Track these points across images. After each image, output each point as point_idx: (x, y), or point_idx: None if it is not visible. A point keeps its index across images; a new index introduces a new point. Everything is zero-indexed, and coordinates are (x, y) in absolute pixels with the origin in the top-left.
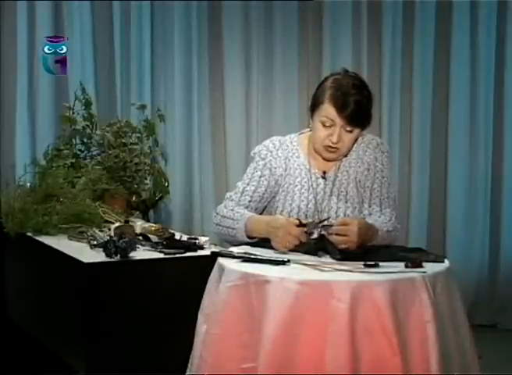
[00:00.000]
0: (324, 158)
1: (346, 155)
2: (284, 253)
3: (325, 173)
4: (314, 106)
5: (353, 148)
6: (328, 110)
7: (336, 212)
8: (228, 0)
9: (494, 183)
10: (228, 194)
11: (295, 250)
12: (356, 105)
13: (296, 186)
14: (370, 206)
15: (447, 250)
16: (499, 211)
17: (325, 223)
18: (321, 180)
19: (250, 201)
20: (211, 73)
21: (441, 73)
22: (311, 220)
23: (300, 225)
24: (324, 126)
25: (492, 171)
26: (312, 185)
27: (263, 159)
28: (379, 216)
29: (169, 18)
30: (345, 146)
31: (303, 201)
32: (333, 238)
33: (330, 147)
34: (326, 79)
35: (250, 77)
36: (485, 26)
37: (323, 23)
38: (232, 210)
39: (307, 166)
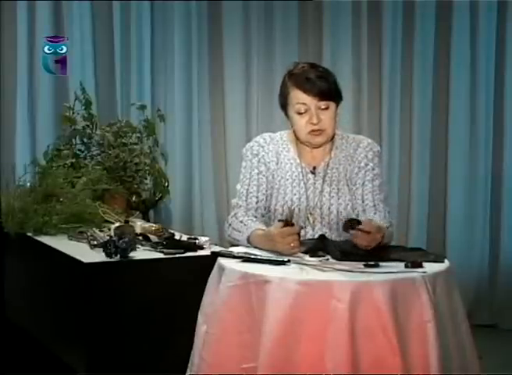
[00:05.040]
0: (313, 147)
1: (335, 151)
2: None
3: (314, 168)
4: (284, 102)
5: (343, 147)
6: (297, 95)
7: (329, 209)
8: (228, 0)
9: (494, 183)
10: (234, 202)
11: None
12: (319, 79)
13: (288, 180)
14: (363, 202)
15: (447, 250)
16: (499, 211)
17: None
18: (310, 175)
19: (257, 203)
20: (211, 73)
21: (441, 73)
22: (289, 214)
23: (286, 225)
24: (299, 113)
25: (492, 171)
26: (303, 179)
27: (256, 156)
28: (374, 213)
29: (169, 18)
30: (327, 126)
31: (295, 194)
32: (358, 236)
33: (313, 131)
34: (284, 77)
35: (250, 77)
36: (485, 26)
37: (323, 23)
38: (241, 222)
39: (297, 160)
